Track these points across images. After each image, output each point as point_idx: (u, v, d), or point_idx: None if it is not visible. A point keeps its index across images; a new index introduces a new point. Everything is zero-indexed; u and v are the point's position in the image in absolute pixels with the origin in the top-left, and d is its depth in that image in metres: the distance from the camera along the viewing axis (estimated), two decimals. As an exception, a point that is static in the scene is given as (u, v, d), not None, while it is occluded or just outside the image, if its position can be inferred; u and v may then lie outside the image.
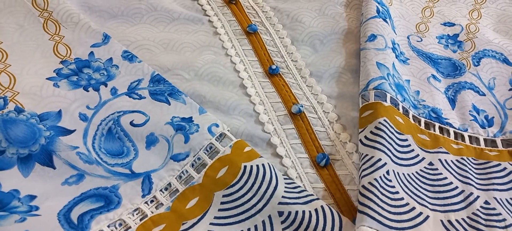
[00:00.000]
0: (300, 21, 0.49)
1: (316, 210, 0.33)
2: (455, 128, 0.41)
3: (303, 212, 0.32)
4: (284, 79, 0.44)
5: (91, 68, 0.40)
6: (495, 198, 0.35)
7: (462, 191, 0.35)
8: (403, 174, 0.35)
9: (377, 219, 0.31)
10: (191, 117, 0.37)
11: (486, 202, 0.34)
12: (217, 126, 0.37)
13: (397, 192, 0.33)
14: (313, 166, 0.38)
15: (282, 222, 0.32)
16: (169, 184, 0.34)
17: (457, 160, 0.38)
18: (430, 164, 0.37)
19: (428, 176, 0.36)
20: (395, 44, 0.46)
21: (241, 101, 0.41)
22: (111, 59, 0.41)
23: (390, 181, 0.34)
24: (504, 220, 0.33)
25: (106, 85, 0.39)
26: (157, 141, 0.35)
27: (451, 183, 0.36)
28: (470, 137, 0.41)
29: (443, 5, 0.55)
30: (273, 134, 0.39)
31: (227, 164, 0.34)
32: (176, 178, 0.34)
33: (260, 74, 0.44)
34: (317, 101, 0.42)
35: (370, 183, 0.33)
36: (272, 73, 0.44)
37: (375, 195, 0.32)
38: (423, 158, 0.37)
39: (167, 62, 0.42)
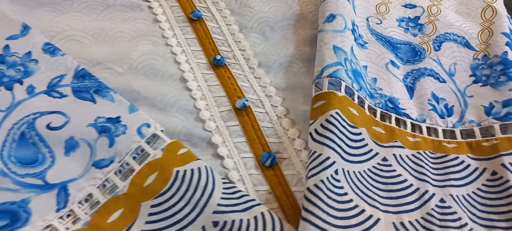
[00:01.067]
0: (250, 6, 0.45)
1: (255, 217, 0.29)
2: (412, 119, 0.38)
3: (241, 220, 0.29)
4: (230, 71, 0.40)
5: (6, 64, 0.35)
6: (452, 195, 0.32)
7: (417, 189, 0.32)
8: (354, 172, 0.32)
9: (321, 227, 0.28)
10: (119, 117, 0.33)
11: (442, 200, 0.32)
12: (148, 126, 0.33)
13: (345, 193, 0.30)
14: (258, 166, 0.34)
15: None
16: (90, 195, 0.30)
17: (412, 155, 0.35)
18: (384, 159, 0.34)
19: (381, 173, 0.33)
20: (355, 25, 0.43)
21: (180, 97, 0.37)
22: (29, 53, 0.36)
23: (338, 181, 0.31)
24: (459, 219, 0.31)
25: (21, 83, 0.34)
26: (78, 146, 0.31)
27: (406, 180, 0.33)
28: (428, 128, 0.38)
29: (405, -15, 0.52)
30: (215, 132, 0.35)
31: (157, 169, 0.31)
32: (98, 188, 0.30)
33: (204, 65, 0.40)
34: (265, 94, 0.39)
35: (315, 185, 0.30)
36: (217, 64, 0.40)
37: (321, 199, 0.29)
38: (377, 153, 0.34)
39: (97, 55, 0.38)
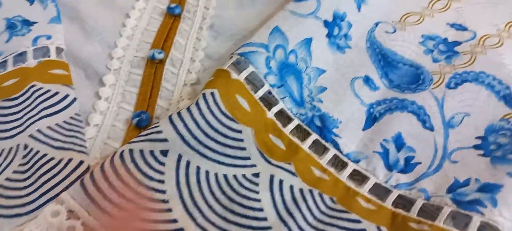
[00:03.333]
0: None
1: (60, 160, 0.26)
2: (339, 151, 0.28)
3: (45, 155, 0.26)
4: (178, 23, 0.35)
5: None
6: None
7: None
8: (207, 171, 0.25)
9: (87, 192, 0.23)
10: (36, 22, 0.33)
11: None
12: (49, 37, 0.32)
13: (162, 185, 0.24)
14: (127, 122, 0.30)
15: (23, 157, 0.26)
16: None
17: (301, 190, 0.25)
18: (255, 175, 0.25)
19: (238, 189, 0.25)
20: (341, 20, 0.33)
21: (109, 29, 0.34)
22: None
23: (161, 164, 0.24)
24: None
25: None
26: None
27: (263, 218, 0.24)
28: (355, 171, 0.27)
29: (474, 4, 0.38)
30: (114, 72, 0.32)
31: (20, 76, 0.30)
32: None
33: (158, 10, 0.37)
34: (191, 57, 0.33)
35: (130, 150, 0.24)
36: (170, 12, 0.36)
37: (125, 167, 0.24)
38: (253, 165, 0.26)
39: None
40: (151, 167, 0.24)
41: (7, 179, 0.26)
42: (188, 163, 0.25)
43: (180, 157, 0.25)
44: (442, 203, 0.24)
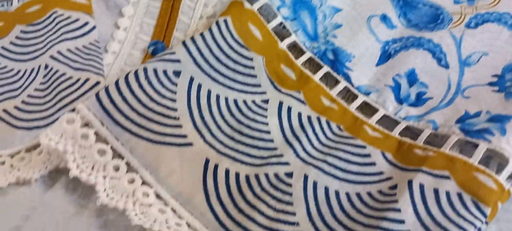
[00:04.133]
0: None
1: (78, 79, 0.27)
2: (350, 83, 0.28)
3: (64, 74, 0.27)
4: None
5: None
6: (315, 182, 0.23)
7: (275, 149, 0.24)
8: (218, 95, 0.25)
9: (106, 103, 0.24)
10: None
11: (305, 178, 0.23)
12: None
13: (173, 102, 0.25)
14: (144, 50, 0.31)
15: (44, 76, 0.27)
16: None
17: (309, 117, 0.26)
18: (265, 101, 0.26)
19: (248, 114, 0.25)
20: None
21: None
22: None
23: (174, 84, 0.25)
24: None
25: None
26: None
27: (268, 132, 0.25)
28: (365, 103, 0.27)
29: None
30: (133, 4, 0.33)
31: (43, 3, 0.31)
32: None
33: None
34: (209, -9, 0.34)
35: (145, 68, 0.25)
36: None
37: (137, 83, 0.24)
38: (264, 92, 0.26)
39: None
40: (163, 86, 0.25)
41: (29, 95, 0.27)
42: (199, 86, 0.26)
43: (192, 79, 0.26)
44: (450, 132, 0.24)
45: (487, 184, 0.22)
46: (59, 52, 0.28)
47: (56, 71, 0.27)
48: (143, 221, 0.22)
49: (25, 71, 0.28)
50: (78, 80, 0.27)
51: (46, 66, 0.28)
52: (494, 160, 0.23)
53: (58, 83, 0.27)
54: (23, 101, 0.27)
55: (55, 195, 0.24)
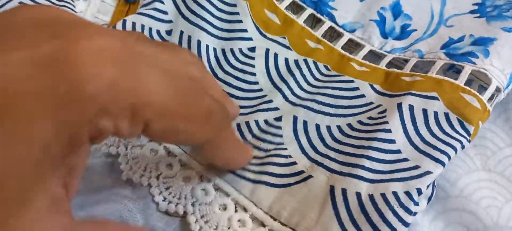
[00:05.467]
0: None
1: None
2: (334, 23, 0.28)
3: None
4: None
5: None
6: (305, 121, 0.23)
7: (261, 94, 0.24)
8: (214, 48, 0.26)
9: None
10: None
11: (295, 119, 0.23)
12: None
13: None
14: None
15: None
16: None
17: (295, 60, 0.26)
18: (251, 50, 0.26)
19: (237, 65, 0.26)
20: None
21: None
22: None
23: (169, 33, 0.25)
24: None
25: None
26: None
27: (257, 83, 0.25)
28: (350, 40, 0.27)
29: None
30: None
31: None
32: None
33: None
34: None
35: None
36: None
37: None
38: (250, 38, 0.27)
39: None
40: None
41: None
42: (189, 38, 0.25)
43: (181, 33, 0.26)
44: (436, 57, 0.25)
45: (473, 103, 0.22)
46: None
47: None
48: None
49: None
50: None
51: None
52: (475, 82, 0.24)
53: None
54: None
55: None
